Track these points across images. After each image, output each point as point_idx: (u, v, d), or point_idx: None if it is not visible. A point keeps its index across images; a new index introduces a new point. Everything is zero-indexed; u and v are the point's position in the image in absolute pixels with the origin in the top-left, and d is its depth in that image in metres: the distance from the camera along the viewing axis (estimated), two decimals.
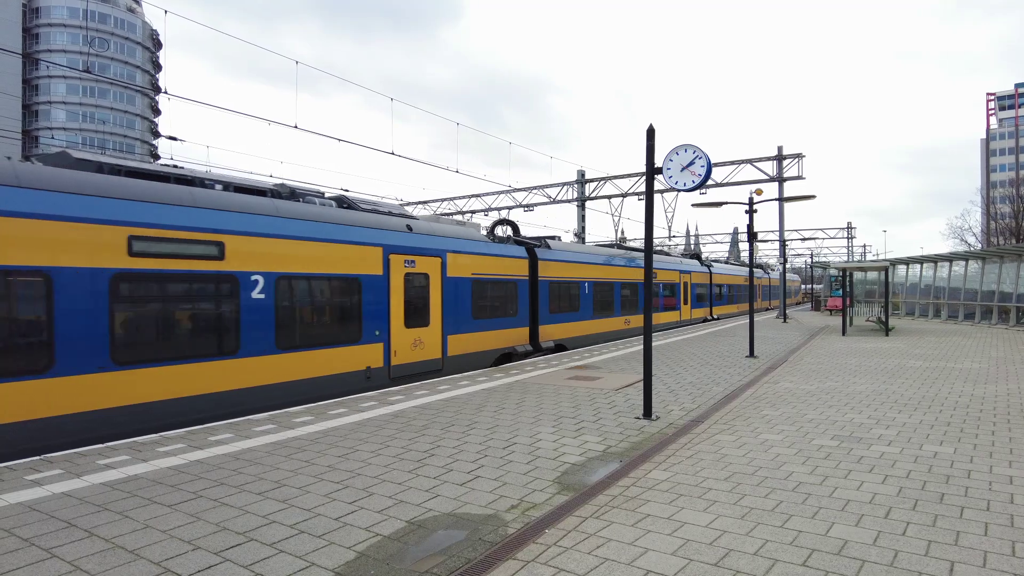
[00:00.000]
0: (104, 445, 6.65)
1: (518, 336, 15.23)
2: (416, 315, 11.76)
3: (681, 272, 27.35)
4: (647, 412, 7.94)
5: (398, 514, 4.64)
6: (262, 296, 8.98)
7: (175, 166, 9.70)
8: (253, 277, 8.90)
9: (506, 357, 14.68)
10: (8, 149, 62.11)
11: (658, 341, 18.32)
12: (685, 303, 27.76)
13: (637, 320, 21.62)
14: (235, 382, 8.64)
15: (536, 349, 15.83)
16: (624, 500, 4.91)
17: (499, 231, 16.03)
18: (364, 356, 10.60)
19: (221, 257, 8.51)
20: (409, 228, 11.93)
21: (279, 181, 12.37)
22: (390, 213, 12.22)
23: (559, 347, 16.92)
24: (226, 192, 9.25)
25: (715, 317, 31.90)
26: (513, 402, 8.96)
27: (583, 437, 6.95)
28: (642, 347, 8.13)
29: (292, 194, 10.48)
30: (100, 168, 8.06)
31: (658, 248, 34.58)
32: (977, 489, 5.05)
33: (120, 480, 5.44)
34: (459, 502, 4.90)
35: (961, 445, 6.45)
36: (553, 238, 18.51)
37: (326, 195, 11.50)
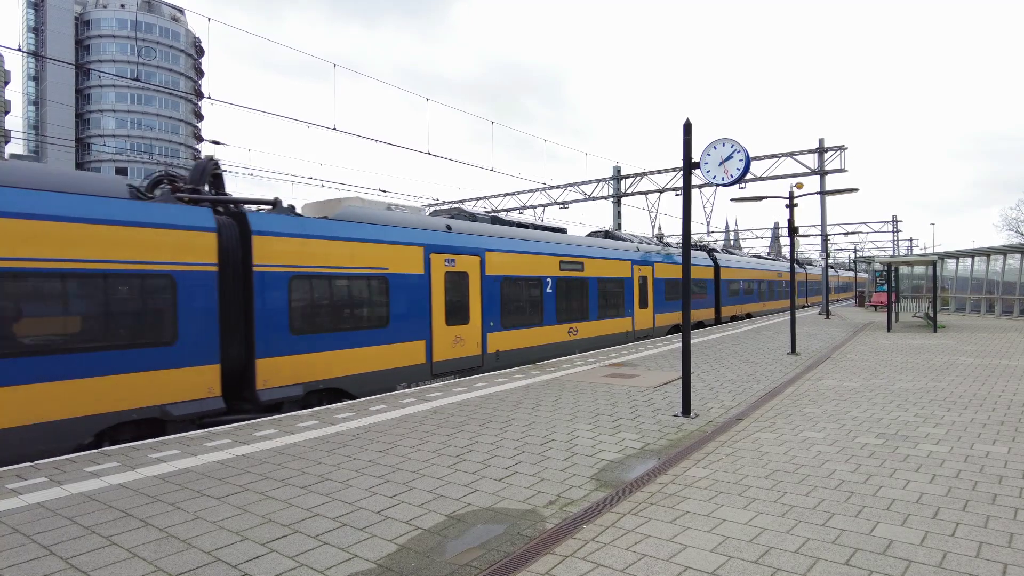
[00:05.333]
0: (157, 440, 6.93)
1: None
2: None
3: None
4: (686, 410, 7.88)
5: (438, 508, 4.72)
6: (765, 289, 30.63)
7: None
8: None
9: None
10: (63, 157, 64.89)
11: (697, 339, 18.11)
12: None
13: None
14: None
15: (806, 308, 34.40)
16: (662, 497, 4.89)
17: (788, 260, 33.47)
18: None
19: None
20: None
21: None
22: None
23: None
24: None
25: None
26: (550, 399, 8.99)
27: (621, 434, 6.94)
28: (680, 344, 8.06)
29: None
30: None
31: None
32: None
33: (171, 473, 5.66)
34: (497, 497, 4.96)
35: (1015, 444, 6.21)
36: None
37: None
